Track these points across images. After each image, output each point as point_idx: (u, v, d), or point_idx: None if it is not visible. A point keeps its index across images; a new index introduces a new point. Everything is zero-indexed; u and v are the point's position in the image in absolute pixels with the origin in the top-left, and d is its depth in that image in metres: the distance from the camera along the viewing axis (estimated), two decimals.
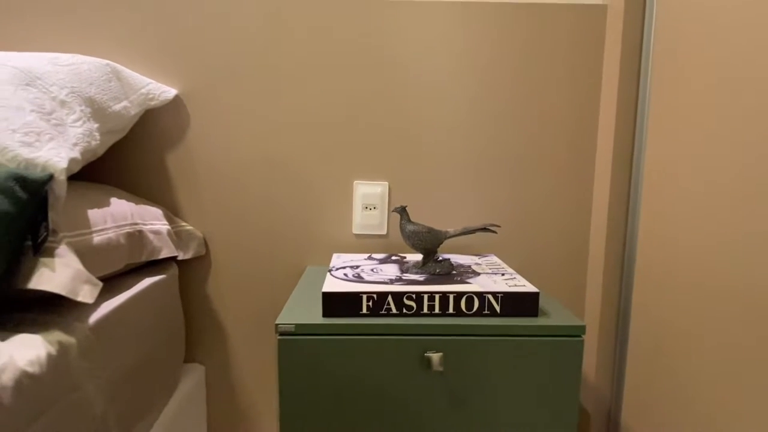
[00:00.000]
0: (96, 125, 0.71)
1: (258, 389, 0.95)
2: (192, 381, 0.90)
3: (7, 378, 0.44)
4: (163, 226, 0.82)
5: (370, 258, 0.84)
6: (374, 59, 0.87)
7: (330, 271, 0.74)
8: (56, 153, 0.58)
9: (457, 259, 0.83)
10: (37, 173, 0.54)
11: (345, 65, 0.87)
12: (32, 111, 0.61)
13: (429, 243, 0.73)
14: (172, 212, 0.89)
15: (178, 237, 0.85)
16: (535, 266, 0.93)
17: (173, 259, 0.87)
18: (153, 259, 0.78)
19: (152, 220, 0.80)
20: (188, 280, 0.91)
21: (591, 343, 0.92)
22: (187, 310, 0.92)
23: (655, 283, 0.78)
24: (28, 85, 0.64)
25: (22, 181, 0.52)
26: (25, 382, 0.45)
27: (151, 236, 0.77)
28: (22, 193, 0.52)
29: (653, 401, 0.78)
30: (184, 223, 0.88)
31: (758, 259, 0.56)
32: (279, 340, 0.61)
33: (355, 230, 0.92)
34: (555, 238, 0.93)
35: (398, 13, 0.86)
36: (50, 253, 0.54)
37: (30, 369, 0.46)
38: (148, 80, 0.83)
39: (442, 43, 0.87)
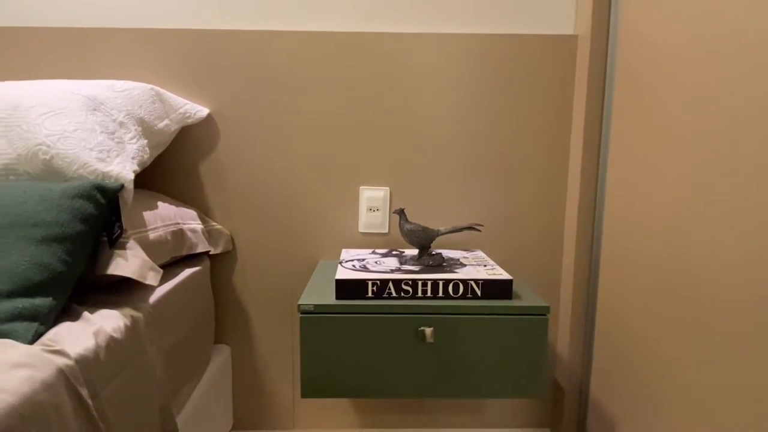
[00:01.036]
0: (146, 141, 0.85)
1: (276, 365, 1.08)
2: (220, 358, 1.03)
3: (101, 340, 0.57)
4: (198, 225, 0.95)
5: (374, 252, 0.97)
6: (378, 86, 1.00)
7: (341, 263, 0.87)
8: (123, 167, 0.71)
9: (448, 253, 0.96)
10: (112, 183, 0.67)
11: (353, 90, 1.00)
12: (101, 132, 0.74)
13: (423, 239, 0.87)
14: (204, 213, 1.02)
15: (209, 235, 0.99)
16: (516, 259, 1.06)
17: (206, 253, 1.00)
18: (190, 253, 0.92)
19: (189, 220, 0.93)
20: (218, 272, 1.05)
21: (564, 326, 1.05)
22: (216, 298, 1.05)
23: (617, 275, 0.91)
24: (95, 110, 0.78)
25: (101, 190, 0.66)
26: (112, 344, 0.58)
27: (189, 234, 0.91)
28: (101, 200, 0.65)
29: (616, 377, 0.91)
30: (214, 223, 1.01)
31: (698, 247, 0.69)
32: (301, 317, 0.74)
33: (361, 229, 1.05)
34: (533, 236, 1.06)
35: (398, 46, 0.99)
36: (122, 246, 0.67)
37: (114, 334, 0.60)
38: (185, 101, 0.96)
39: (435, 70, 1.00)
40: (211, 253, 0.99)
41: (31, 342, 0.52)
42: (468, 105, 1.01)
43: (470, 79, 1.01)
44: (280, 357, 1.08)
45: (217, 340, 1.06)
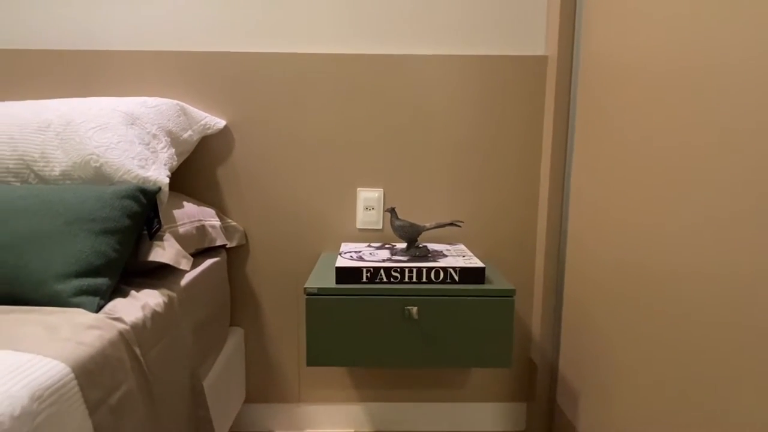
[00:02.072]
0: (173, 150, 0.98)
1: (283, 346, 1.22)
2: (235, 339, 1.16)
3: (147, 312, 0.70)
4: (216, 222, 1.08)
5: (369, 246, 1.10)
6: (372, 101, 1.13)
7: (340, 254, 1.00)
8: (159, 173, 0.85)
9: (433, 246, 1.10)
10: (151, 186, 0.81)
11: (351, 105, 1.13)
12: (139, 143, 0.88)
13: (411, 234, 1.00)
14: (221, 212, 1.15)
15: (226, 230, 1.12)
16: (494, 252, 1.19)
17: (223, 246, 1.13)
18: (211, 246, 1.05)
19: (209, 217, 1.07)
20: (233, 263, 1.18)
21: (537, 312, 1.18)
22: (231, 286, 1.18)
23: (579, 267, 1.04)
24: (132, 124, 0.91)
25: (143, 192, 0.79)
26: (155, 316, 0.72)
27: (210, 229, 1.04)
28: (143, 200, 0.79)
29: (580, 354, 1.04)
30: (230, 220, 1.15)
31: (645, 242, 0.82)
32: (306, 298, 0.87)
33: (358, 225, 1.18)
34: (509, 232, 1.19)
35: (391, 66, 1.12)
36: (160, 238, 0.81)
37: (156, 308, 0.73)
38: (205, 114, 1.10)
39: (424, 87, 1.13)
40: (227, 246, 1.12)
41: (96, 311, 0.66)
42: (452, 117, 1.15)
43: (454, 94, 1.14)
44: (287, 338, 1.22)
45: (232, 323, 1.20)
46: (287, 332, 1.22)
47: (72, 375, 0.52)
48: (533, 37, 1.14)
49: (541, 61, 1.13)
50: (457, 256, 0.98)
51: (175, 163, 0.97)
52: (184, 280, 0.87)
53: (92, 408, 0.54)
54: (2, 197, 0.72)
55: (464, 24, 1.13)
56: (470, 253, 1.02)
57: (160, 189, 0.82)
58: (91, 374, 0.55)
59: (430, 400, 1.25)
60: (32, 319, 0.61)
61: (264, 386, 1.23)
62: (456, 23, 1.13)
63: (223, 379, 1.06)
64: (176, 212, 0.93)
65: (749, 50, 0.56)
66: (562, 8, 1.06)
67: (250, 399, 1.23)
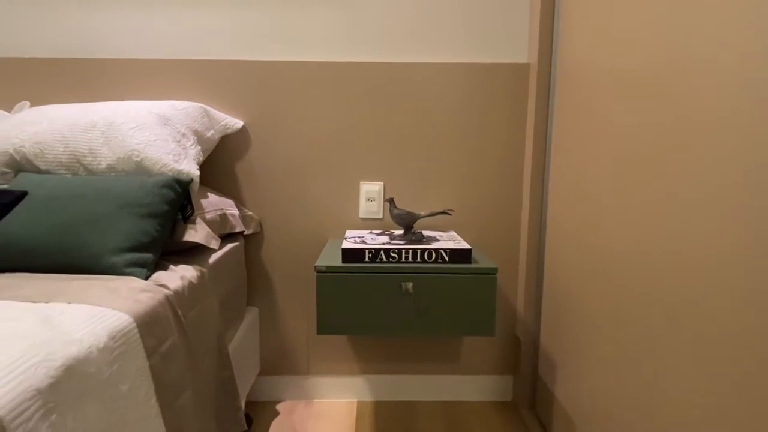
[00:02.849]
0: (199, 147, 1.11)
1: (294, 324, 1.35)
2: (250, 317, 1.29)
3: (185, 282, 0.84)
4: (235, 211, 1.21)
5: (370, 233, 1.23)
6: (373, 103, 1.26)
7: (345, 239, 1.13)
8: (190, 166, 0.98)
9: (427, 233, 1.22)
10: (184, 177, 0.94)
11: (354, 107, 1.26)
12: (172, 141, 1.01)
13: (407, 221, 1.13)
14: (239, 202, 1.28)
15: (243, 219, 1.25)
16: (482, 238, 1.32)
17: (241, 233, 1.26)
18: (230, 232, 1.18)
19: (229, 207, 1.20)
20: (249, 249, 1.31)
21: (521, 292, 1.31)
22: (248, 269, 1.31)
23: (556, 250, 1.17)
24: (165, 124, 1.04)
25: (178, 182, 0.92)
26: (191, 286, 0.85)
27: (230, 217, 1.17)
28: (178, 189, 0.92)
29: (558, 329, 1.17)
30: (247, 210, 1.28)
31: (613, 228, 0.95)
32: (317, 276, 1.00)
33: (361, 215, 1.31)
34: (496, 220, 1.31)
35: (389, 72, 1.25)
36: (192, 222, 0.94)
37: (192, 280, 0.86)
38: (225, 116, 1.23)
39: (419, 91, 1.26)
40: (244, 233, 1.25)
41: (145, 279, 0.79)
42: (445, 118, 1.27)
43: (447, 98, 1.27)
44: (297, 317, 1.35)
45: (248, 303, 1.33)
46: (297, 311, 1.35)
47: (134, 324, 0.65)
48: (517, 46, 1.27)
49: (524, 68, 1.25)
50: (448, 240, 1.11)
51: (201, 159, 1.10)
52: (211, 259, 1.00)
53: (149, 352, 0.67)
54: (64, 186, 0.86)
55: (457, 36, 1.26)
56: (460, 238, 1.14)
57: (192, 180, 0.95)
58: (147, 326, 0.68)
59: (425, 372, 1.38)
60: (95, 284, 0.74)
61: (276, 360, 1.37)
62: (450, 35, 1.26)
63: (241, 354, 1.19)
64: (202, 201, 1.06)
65: (708, 56, 0.69)
66: (542, 21, 1.19)
67: (264, 371, 1.37)
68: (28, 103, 1.23)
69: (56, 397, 0.49)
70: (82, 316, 0.61)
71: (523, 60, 1.27)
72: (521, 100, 1.27)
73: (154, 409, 0.67)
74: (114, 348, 0.60)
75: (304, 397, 1.38)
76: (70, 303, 0.65)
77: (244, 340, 1.21)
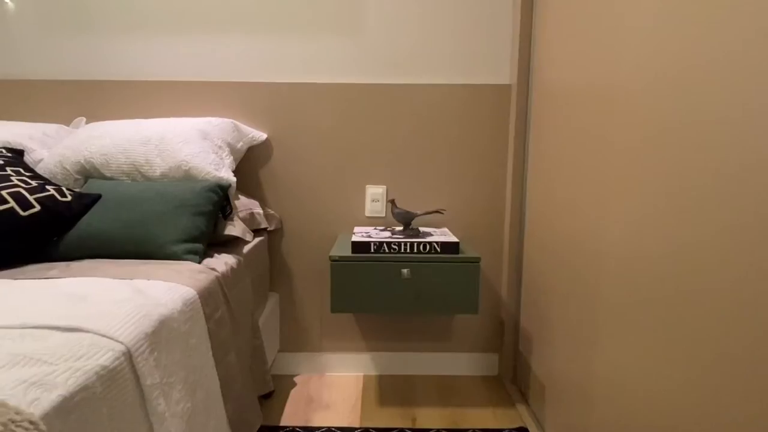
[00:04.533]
0: (232, 157, 1.31)
1: (309, 308, 1.55)
2: (272, 301, 1.49)
3: (227, 267, 1.04)
4: (260, 210, 1.41)
5: (375, 228, 1.43)
6: (378, 119, 1.46)
7: (354, 234, 1.33)
8: (228, 174, 1.18)
9: (423, 228, 1.42)
10: (224, 183, 1.14)
11: (362, 121, 1.46)
12: (212, 152, 1.21)
13: (406, 218, 1.33)
14: (262, 203, 1.48)
15: (267, 217, 1.45)
16: (472, 234, 1.52)
17: (265, 229, 1.47)
18: (257, 228, 1.38)
19: (255, 207, 1.40)
20: (271, 242, 1.51)
21: (504, 277, 1.50)
22: (270, 260, 1.52)
23: (534, 243, 1.36)
24: (205, 138, 1.24)
25: (220, 187, 1.12)
26: (232, 270, 1.05)
27: (257, 215, 1.37)
28: (220, 192, 1.12)
29: (534, 311, 1.36)
30: (270, 209, 1.48)
31: (579, 224, 1.15)
32: (331, 264, 1.20)
33: (367, 213, 1.51)
34: (483, 219, 1.51)
35: (390, 92, 1.45)
36: (231, 219, 1.14)
37: (233, 265, 1.06)
38: (252, 129, 1.43)
39: (417, 109, 1.46)
40: (268, 229, 1.46)
41: (199, 264, 0.99)
42: (440, 131, 1.47)
43: (442, 114, 1.46)
44: (312, 302, 1.55)
45: (270, 289, 1.53)
46: (312, 297, 1.55)
47: (197, 296, 0.86)
48: (502, 70, 1.46)
49: (507, 88, 1.45)
50: (440, 235, 1.31)
51: (233, 167, 1.30)
52: (245, 250, 1.20)
53: (207, 318, 0.87)
54: (131, 191, 1.06)
55: (450, 61, 1.46)
56: (450, 233, 1.34)
57: (230, 185, 1.15)
58: (205, 298, 0.88)
59: (422, 350, 1.58)
60: (162, 266, 0.94)
61: (294, 339, 1.57)
62: (444, 60, 1.46)
63: (264, 333, 1.38)
64: (236, 202, 1.27)
65: (655, 77, 0.89)
66: (521, 48, 1.38)
67: (283, 349, 1.57)
68: (84, 119, 1.44)
69: (156, 340, 0.69)
70: (162, 288, 0.81)
71: (506, 81, 1.46)
72: (504, 116, 1.46)
73: (211, 361, 0.87)
74: (186, 311, 0.80)
75: (317, 371, 1.58)
76: (149, 279, 0.85)
77: (267, 322, 1.41)
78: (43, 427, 0.46)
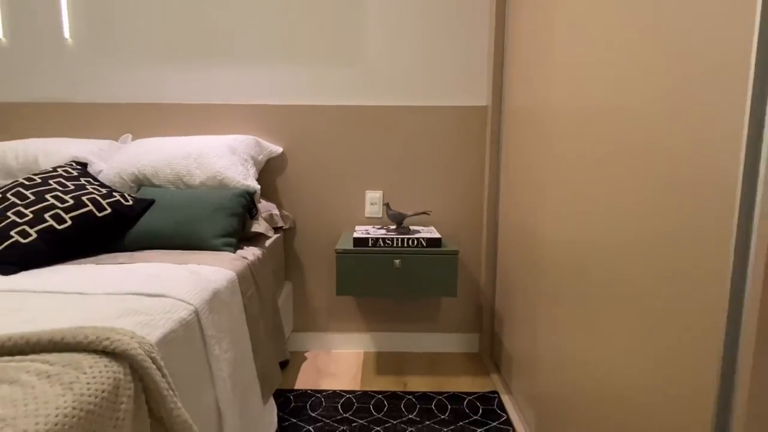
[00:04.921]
0: (255, 168, 1.59)
1: (317, 295, 1.82)
2: (286, 289, 1.76)
3: (255, 257, 1.31)
4: (277, 212, 1.69)
5: (373, 227, 1.70)
6: (374, 135, 1.73)
7: (355, 231, 1.60)
8: (253, 182, 1.46)
9: (413, 227, 1.69)
10: (251, 190, 1.41)
11: (361, 137, 1.73)
12: (240, 164, 1.49)
13: (399, 218, 1.59)
14: (279, 206, 1.76)
15: (283, 217, 1.72)
16: (454, 232, 1.78)
17: (281, 227, 1.74)
18: (274, 227, 1.66)
19: (273, 209, 1.67)
20: (286, 239, 1.79)
21: (482, 268, 1.77)
22: (285, 253, 1.79)
23: (505, 239, 1.63)
24: (233, 153, 1.52)
25: (248, 193, 1.40)
26: (258, 259, 1.32)
27: (275, 216, 1.65)
28: (248, 197, 1.39)
29: (506, 297, 1.62)
30: (285, 211, 1.75)
31: (540, 223, 1.41)
32: (336, 255, 1.47)
33: (366, 214, 1.78)
34: (464, 219, 1.77)
35: (385, 113, 1.71)
36: (257, 218, 1.41)
37: (259, 256, 1.33)
38: (270, 144, 1.70)
39: (407, 127, 1.72)
40: (283, 227, 1.73)
41: (234, 253, 1.26)
42: (428, 146, 1.74)
43: (430, 131, 1.73)
44: (320, 289, 1.82)
45: (285, 278, 1.80)
46: (320, 285, 1.82)
47: (236, 277, 1.13)
48: (481, 93, 1.73)
49: (484, 109, 1.72)
50: (427, 233, 1.58)
51: (256, 177, 1.57)
52: (266, 244, 1.48)
53: (242, 294, 1.14)
54: (178, 197, 1.34)
55: (438, 86, 1.73)
56: (435, 231, 1.61)
57: (256, 192, 1.43)
58: (240, 279, 1.15)
59: (413, 330, 1.84)
60: (206, 255, 1.21)
61: (304, 321, 1.84)
62: (434, 86, 1.72)
63: (281, 316, 1.66)
64: (259, 205, 1.54)
65: (578, 105, 1.15)
66: (494, 72, 1.65)
67: (296, 329, 1.84)
68: (130, 135, 1.72)
69: (212, 306, 0.96)
70: (210, 270, 1.08)
71: (483, 103, 1.73)
72: (482, 133, 1.73)
73: (245, 326, 1.14)
74: (229, 287, 1.07)
75: (325, 348, 1.85)
76: (199, 264, 1.12)
77: (282, 307, 1.68)
78: (156, 349, 0.73)
